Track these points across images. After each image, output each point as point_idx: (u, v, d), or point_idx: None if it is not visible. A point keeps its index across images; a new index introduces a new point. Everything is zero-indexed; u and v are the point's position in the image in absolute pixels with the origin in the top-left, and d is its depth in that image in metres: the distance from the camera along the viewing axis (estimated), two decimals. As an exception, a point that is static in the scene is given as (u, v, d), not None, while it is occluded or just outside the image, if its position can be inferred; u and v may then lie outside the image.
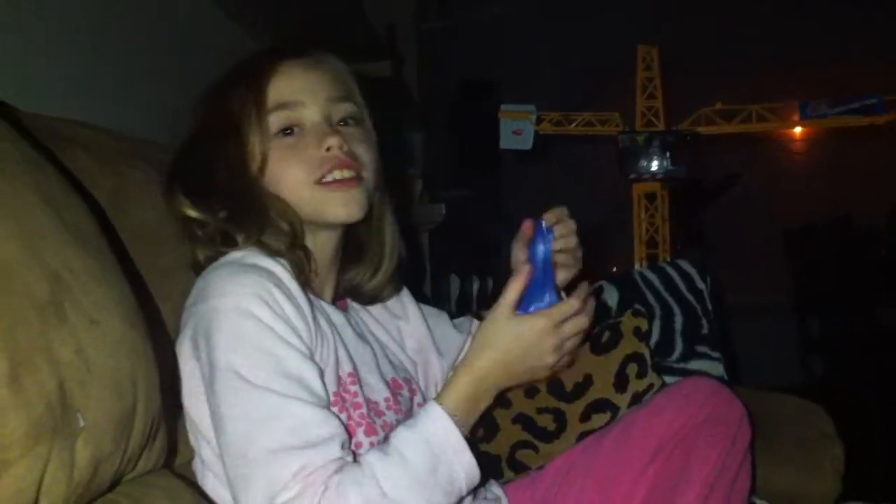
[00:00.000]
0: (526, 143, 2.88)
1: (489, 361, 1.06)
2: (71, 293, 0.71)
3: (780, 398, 1.78)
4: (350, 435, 1.04)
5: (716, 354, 1.75)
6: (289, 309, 1.01)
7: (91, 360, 0.70)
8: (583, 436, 1.37)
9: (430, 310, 1.37)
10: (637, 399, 1.40)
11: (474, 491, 1.19)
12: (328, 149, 1.11)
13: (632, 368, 1.43)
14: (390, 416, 1.12)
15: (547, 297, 1.11)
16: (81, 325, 0.70)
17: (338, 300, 1.23)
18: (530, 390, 1.43)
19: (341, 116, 1.16)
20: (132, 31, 1.72)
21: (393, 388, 1.17)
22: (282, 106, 1.12)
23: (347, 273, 1.24)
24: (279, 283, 1.02)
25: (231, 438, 0.96)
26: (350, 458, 0.97)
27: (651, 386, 1.42)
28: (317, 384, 0.99)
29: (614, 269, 1.86)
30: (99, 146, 1.16)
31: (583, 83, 4.65)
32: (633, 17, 4.70)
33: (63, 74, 1.46)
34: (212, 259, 1.08)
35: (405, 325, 1.31)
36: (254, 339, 0.97)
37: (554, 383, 1.42)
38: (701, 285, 1.82)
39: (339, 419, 0.99)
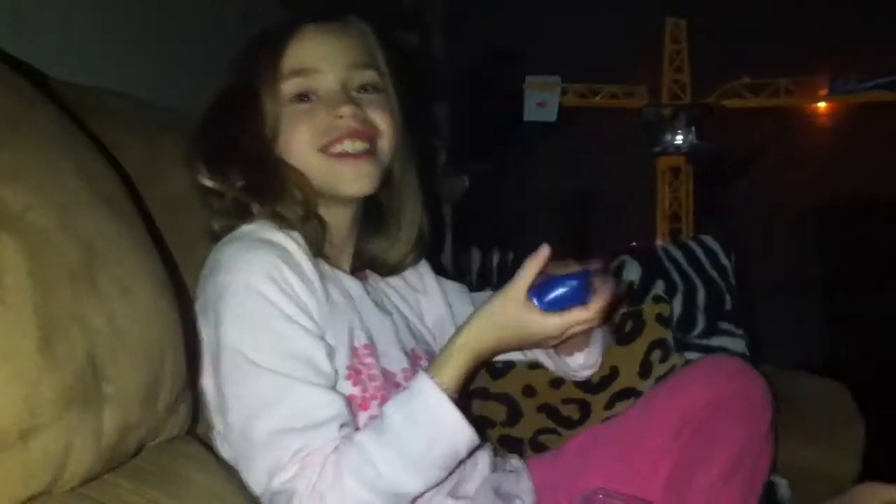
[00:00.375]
0: (550, 115, 2.88)
1: (490, 343, 1.04)
2: (103, 262, 0.71)
3: (802, 377, 1.77)
4: (364, 408, 1.05)
5: (738, 331, 1.74)
6: (298, 286, 1.01)
7: (122, 328, 0.71)
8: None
9: (449, 284, 1.36)
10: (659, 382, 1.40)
11: (494, 463, 1.20)
12: (340, 116, 1.10)
13: (655, 355, 1.43)
14: None
15: (566, 287, 1.05)
16: (113, 294, 0.71)
17: (357, 271, 1.22)
18: (556, 382, 1.43)
19: (360, 84, 1.14)
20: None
21: (413, 358, 1.16)
22: (297, 73, 1.11)
23: (367, 243, 1.22)
24: (289, 260, 1.02)
25: (235, 418, 0.98)
26: (350, 439, 0.97)
27: (674, 367, 1.42)
28: (323, 363, 1.00)
29: (633, 244, 1.85)
30: (131, 116, 1.17)
31: (609, 55, 4.60)
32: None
33: (96, 43, 1.46)
34: (228, 229, 1.08)
35: (424, 298, 1.30)
36: (261, 319, 0.98)
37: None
38: (725, 262, 1.81)
39: (343, 399, 1.00)
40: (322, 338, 1.02)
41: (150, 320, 0.76)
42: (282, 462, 0.93)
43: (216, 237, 1.09)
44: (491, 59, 4.94)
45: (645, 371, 1.42)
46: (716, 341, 1.71)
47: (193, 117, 1.22)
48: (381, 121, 1.14)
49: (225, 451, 1.05)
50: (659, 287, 1.72)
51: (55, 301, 0.65)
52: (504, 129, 4.51)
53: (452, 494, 1.09)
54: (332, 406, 0.97)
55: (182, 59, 1.71)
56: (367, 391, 1.06)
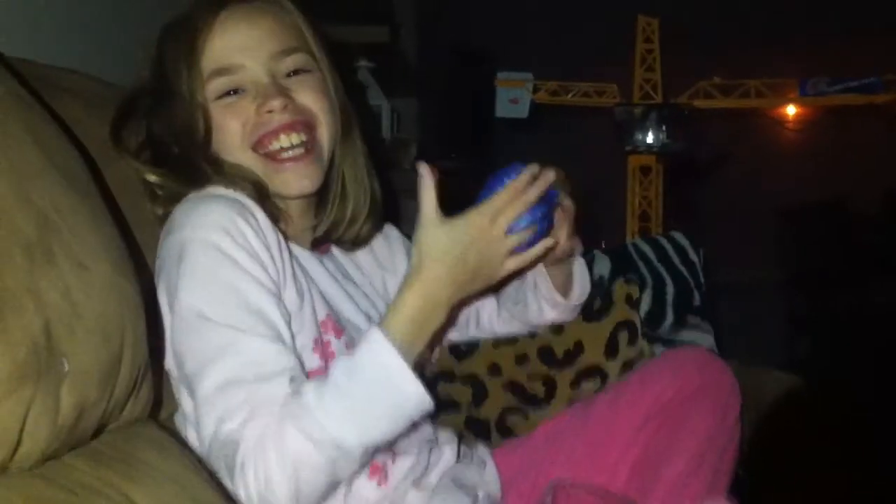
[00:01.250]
0: (522, 111, 2.88)
1: (430, 273, 0.99)
2: (59, 235, 0.69)
3: (765, 373, 1.78)
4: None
5: (706, 326, 1.75)
6: (252, 238, 0.98)
7: (78, 303, 0.69)
8: (572, 403, 1.37)
9: None
10: (628, 367, 1.40)
11: (460, 453, 1.19)
12: (270, 111, 1.06)
13: (623, 336, 1.43)
14: None
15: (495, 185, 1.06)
16: (69, 268, 0.69)
17: (320, 244, 1.19)
18: (520, 358, 1.43)
19: (290, 69, 1.09)
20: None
21: None
22: (220, 72, 1.06)
23: (322, 218, 1.19)
24: (243, 212, 0.99)
25: (188, 371, 0.95)
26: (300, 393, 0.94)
27: (641, 354, 1.42)
28: (276, 317, 0.97)
29: (603, 244, 1.86)
30: (90, 94, 1.14)
31: (580, 53, 4.62)
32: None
33: (55, 20, 1.44)
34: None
35: (391, 277, 1.28)
36: (213, 272, 0.96)
37: (544, 350, 1.42)
38: (694, 258, 1.82)
39: (292, 353, 0.97)
40: (277, 294, 0.99)
41: (108, 296, 0.74)
42: (229, 411, 0.91)
43: (162, 221, 1.06)
44: (463, 56, 4.94)
45: (611, 350, 1.42)
46: (684, 335, 1.72)
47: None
48: (316, 105, 1.10)
49: (190, 434, 1.03)
50: (637, 311, 1.72)
51: (8, 272, 0.63)
52: (475, 127, 4.51)
53: (416, 485, 1.08)
54: (280, 359, 0.95)
55: (141, 37, 1.69)
56: (330, 364, 1.04)
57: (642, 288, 1.68)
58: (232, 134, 1.06)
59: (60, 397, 0.68)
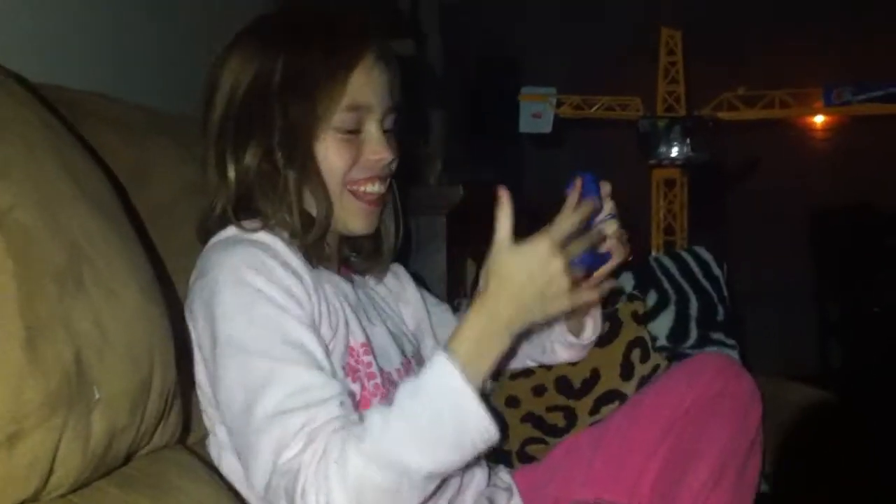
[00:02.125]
0: (545, 126, 2.87)
1: (495, 295, 0.97)
2: (89, 263, 0.71)
3: (793, 386, 1.77)
4: (364, 406, 1.03)
5: (731, 342, 1.74)
6: (284, 276, 0.99)
7: (108, 331, 0.70)
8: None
9: (429, 296, 1.36)
10: (644, 382, 1.40)
11: (488, 476, 1.19)
12: (380, 160, 1.11)
13: (636, 354, 1.43)
14: None
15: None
16: (99, 296, 0.70)
17: (342, 268, 1.21)
18: (538, 388, 1.43)
19: (389, 126, 1.14)
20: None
21: (404, 357, 1.17)
22: (353, 108, 1.09)
23: (351, 250, 1.23)
24: (273, 253, 1.01)
25: (234, 407, 0.95)
26: (354, 417, 0.94)
27: (657, 367, 1.42)
28: (316, 349, 0.97)
29: (630, 259, 1.85)
30: (120, 119, 1.15)
31: (604, 65, 4.62)
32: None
33: (83, 45, 1.46)
34: (218, 228, 1.07)
35: (405, 307, 1.31)
36: (251, 308, 0.97)
37: (562, 380, 1.42)
38: (717, 272, 1.81)
39: (341, 383, 0.98)
40: (313, 327, 1.01)
41: (137, 323, 0.75)
42: (286, 440, 0.90)
43: (204, 236, 1.07)
44: (487, 69, 4.95)
45: (626, 372, 1.42)
46: (708, 352, 1.71)
47: (189, 119, 1.21)
48: (395, 160, 1.14)
49: (224, 461, 1.04)
50: (651, 298, 1.72)
51: (40, 301, 0.64)
52: (500, 140, 4.52)
53: None
54: (329, 386, 0.95)
55: (171, 60, 1.71)
56: (367, 389, 1.06)
57: (665, 304, 1.68)
58: (339, 166, 1.09)
59: (92, 424, 0.69)
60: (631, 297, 1.49)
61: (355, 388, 1.04)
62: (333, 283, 1.12)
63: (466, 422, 0.91)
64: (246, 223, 1.06)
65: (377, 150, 1.11)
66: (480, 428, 0.92)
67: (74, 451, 0.67)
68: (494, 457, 1.35)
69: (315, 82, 1.07)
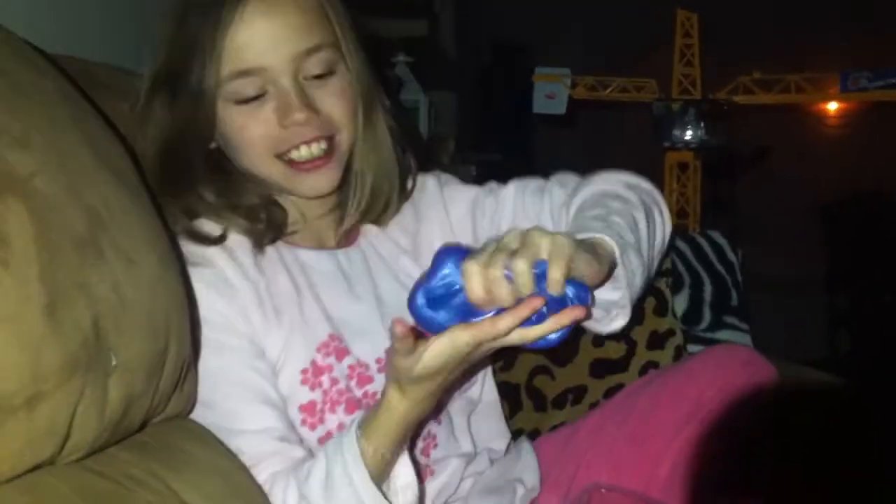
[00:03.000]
0: (559, 107, 2.86)
1: (396, 404, 0.90)
2: (108, 231, 0.71)
3: (805, 371, 1.77)
4: (332, 411, 1.02)
5: (743, 326, 1.74)
6: (225, 307, 0.99)
7: (127, 298, 0.70)
8: (596, 363, 1.40)
9: (454, 210, 1.21)
10: (655, 339, 1.40)
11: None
12: (290, 122, 1.00)
13: (649, 302, 1.43)
14: (379, 383, 1.04)
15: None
16: (118, 263, 0.71)
17: (348, 234, 1.14)
18: None
19: (313, 73, 1.02)
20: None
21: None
22: (242, 73, 0.99)
23: (343, 209, 1.13)
24: (217, 283, 0.99)
25: None
26: (293, 453, 0.97)
27: (670, 332, 1.42)
28: (256, 384, 0.99)
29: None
30: (130, 90, 1.15)
31: (618, 48, 4.59)
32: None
33: (102, 19, 1.46)
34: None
35: (425, 225, 1.20)
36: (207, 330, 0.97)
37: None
38: (732, 257, 1.81)
39: (281, 414, 0.99)
40: (256, 351, 1.00)
41: (155, 290, 0.75)
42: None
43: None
44: (501, 50, 4.93)
45: (635, 316, 1.43)
46: (721, 335, 1.71)
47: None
48: (338, 112, 1.04)
49: None
50: (665, 280, 1.72)
51: (61, 267, 0.64)
52: (513, 121, 4.51)
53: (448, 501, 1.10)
54: (267, 432, 0.97)
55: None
56: (329, 396, 1.03)
57: (679, 287, 1.68)
58: (255, 143, 1.02)
59: (108, 390, 0.69)
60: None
61: (315, 395, 1.02)
62: (306, 268, 1.08)
63: None
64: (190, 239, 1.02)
65: (283, 109, 1.00)
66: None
67: (91, 416, 0.68)
68: (503, 393, 1.31)
69: (193, 50, 0.99)
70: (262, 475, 0.94)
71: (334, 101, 1.04)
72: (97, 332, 0.67)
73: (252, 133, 1.01)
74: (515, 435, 1.36)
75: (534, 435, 1.41)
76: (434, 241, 1.17)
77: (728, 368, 1.15)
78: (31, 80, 0.74)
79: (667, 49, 2.91)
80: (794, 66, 2.87)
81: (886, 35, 4.49)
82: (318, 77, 1.03)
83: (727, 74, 2.83)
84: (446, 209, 1.21)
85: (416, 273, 1.11)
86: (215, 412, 0.96)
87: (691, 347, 1.54)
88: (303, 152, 1.02)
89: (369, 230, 1.17)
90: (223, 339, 0.98)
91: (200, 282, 0.98)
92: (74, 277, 0.65)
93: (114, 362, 0.69)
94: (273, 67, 1.00)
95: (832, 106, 5.11)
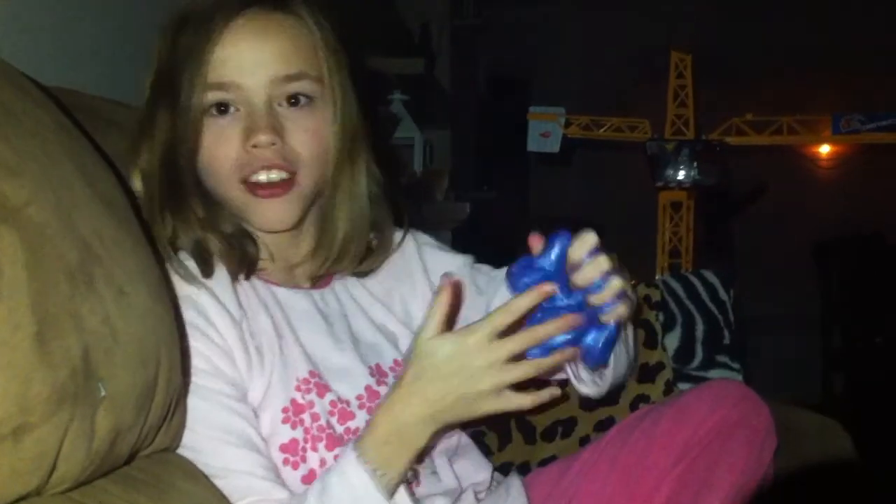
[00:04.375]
0: (553, 145, 2.89)
1: (407, 389, 0.91)
2: (100, 262, 0.71)
3: (798, 412, 1.76)
4: (313, 449, 1.01)
5: (736, 365, 1.74)
6: (205, 349, 0.97)
7: (117, 329, 0.70)
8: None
9: (441, 262, 1.21)
10: (645, 371, 1.41)
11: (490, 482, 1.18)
12: (254, 146, 0.99)
13: (639, 335, 1.43)
14: (360, 419, 1.03)
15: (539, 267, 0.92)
16: (109, 295, 0.71)
17: (320, 277, 1.12)
18: None
19: (289, 95, 1.02)
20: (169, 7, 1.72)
21: (378, 376, 1.08)
22: (218, 86, 1.00)
23: (318, 249, 1.11)
24: (196, 323, 0.97)
25: None
26: (278, 495, 0.96)
27: (660, 365, 1.42)
28: (240, 425, 0.98)
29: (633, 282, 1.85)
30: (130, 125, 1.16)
31: (613, 86, 4.63)
32: (665, 22, 4.68)
33: (98, 52, 1.47)
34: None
35: (408, 290, 1.20)
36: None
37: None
38: (724, 296, 1.81)
39: (264, 456, 0.98)
40: (238, 393, 0.99)
41: (145, 323, 0.75)
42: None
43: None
44: (496, 89, 4.97)
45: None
46: (713, 374, 1.71)
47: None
48: (305, 148, 1.02)
49: None
50: (655, 314, 1.72)
51: (52, 297, 0.64)
52: (508, 159, 4.53)
53: None
54: (254, 472, 0.96)
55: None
56: (311, 433, 1.01)
57: (671, 325, 1.68)
58: (220, 162, 1.01)
59: (96, 421, 0.69)
60: (649, 284, 1.50)
61: (297, 433, 1.01)
62: (281, 306, 1.07)
63: None
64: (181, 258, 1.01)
65: (251, 130, 0.99)
66: None
67: (78, 447, 0.67)
68: (492, 424, 1.30)
69: (184, 62, 0.99)
70: None
71: (303, 137, 1.02)
72: (87, 363, 0.67)
73: (218, 151, 1.01)
74: (505, 468, 1.35)
75: (524, 467, 1.41)
76: (409, 300, 1.18)
77: (723, 405, 1.14)
78: (26, 110, 0.74)
79: (661, 90, 2.94)
80: (787, 108, 2.90)
81: (879, 78, 4.54)
82: (293, 106, 1.02)
83: (720, 115, 2.86)
84: (426, 271, 1.20)
85: (388, 320, 1.14)
86: (197, 454, 0.95)
87: (683, 385, 1.54)
88: (261, 176, 1.01)
89: (343, 275, 1.16)
90: (204, 383, 0.97)
91: (186, 324, 0.96)
92: (65, 307, 0.65)
93: (103, 393, 0.69)
94: (248, 87, 1.00)
95: (823, 150, 5.15)
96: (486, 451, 1.41)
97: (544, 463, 1.38)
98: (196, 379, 0.96)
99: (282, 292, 1.08)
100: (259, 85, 1.00)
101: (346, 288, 1.15)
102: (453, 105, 3.97)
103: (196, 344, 0.96)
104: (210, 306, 0.99)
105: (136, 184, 1.02)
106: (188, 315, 0.97)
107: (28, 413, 0.62)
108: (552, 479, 1.25)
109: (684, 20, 4.66)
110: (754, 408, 1.15)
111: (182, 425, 0.92)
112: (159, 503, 0.80)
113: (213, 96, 1.00)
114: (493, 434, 1.46)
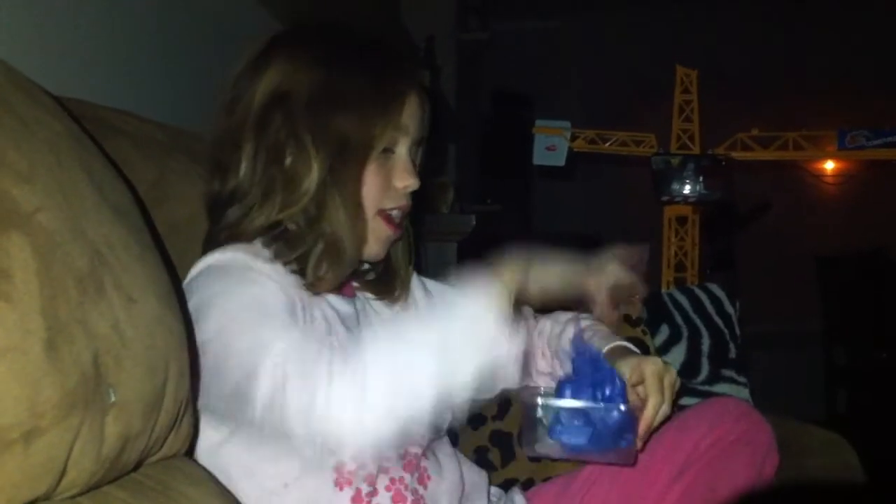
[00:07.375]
0: (559, 159, 2.88)
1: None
2: (110, 269, 0.71)
3: (803, 427, 1.76)
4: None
5: (741, 379, 1.74)
6: (272, 291, 1.01)
7: (126, 336, 0.71)
8: None
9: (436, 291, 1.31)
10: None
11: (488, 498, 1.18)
12: (405, 187, 1.11)
13: None
14: None
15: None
16: (119, 302, 0.71)
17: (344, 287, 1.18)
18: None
19: (416, 157, 1.15)
20: (170, 18, 1.74)
21: None
22: (397, 129, 1.10)
23: (364, 275, 1.20)
24: (270, 285, 1.02)
25: (232, 391, 0.97)
26: None
27: None
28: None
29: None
30: (143, 137, 1.17)
31: (619, 102, 4.65)
32: (673, 38, 4.70)
33: (102, 61, 1.48)
34: (227, 241, 1.07)
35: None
36: (242, 307, 0.99)
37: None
38: (730, 310, 1.81)
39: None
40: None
41: (154, 329, 0.76)
42: (303, 390, 0.92)
43: (212, 243, 1.08)
44: (501, 102, 4.98)
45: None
46: (719, 388, 1.71)
47: (201, 137, 1.22)
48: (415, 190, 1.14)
49: (222, 456, 1.04)
50: (664, 332, 1.72)
51: (62, 303, 0.65)
52: (513, 172, 4.54)
53: None
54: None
55: (188, 76, 1.73)
56: None
57: (677, 339, 1.68)
58: (378, 192, 1.10)
59: (105, 427, 0.69)
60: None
61: None
62: (329, 305, 1.11)
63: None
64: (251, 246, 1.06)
65: (406, 176, 1.11)
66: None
67: (88, 452, 0.68)
68: (495, 441, 1.31)
69: (372, 102, 1.07)
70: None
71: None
72: (96, 369, 0.67)
73: (381, 181, 1.10)
74: (509, 484, 1.34)
75: (528, 484, 1.40)
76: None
77: (724, 422, 1.15)
78: (38, 119, 0.75)
79: (666, 104, 2.94)
80: (792, 124, 2.90)
81: (885, 94, 4.55)
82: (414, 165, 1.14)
83: (726, 130, 2.86)
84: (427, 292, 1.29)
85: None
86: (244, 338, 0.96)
87: (689, 400, 1.54)
88: (399, 213, 1.13)
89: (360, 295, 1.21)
90: (269, 304, 1.00)
91: (262, 275, 1.01)
92: (75, 313, 0.66)
93: (112, 399, 0.69)
94: (409, 140, 1.11)
95: (828, 166, 5.16)
96: (491, 467, 1.41)
97: (548, 479, 1.37)
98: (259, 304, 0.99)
99: (329, 296, 1.12)
100: (413, 139, 1.12)
101: (364, 297, 1.21)
102: (458, 119, 3.98)
103: (259, 288, 1.00)
104: (276, 276, 1.03)
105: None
106: (250, 274, 1.01)
107: (38, 418, 0.62)
108: (554, 494, 1.25)
109: (690, 35, 4.68)
110: (755, 425, 1.16)
111: (190, 432, 0.92)
112: (166, 510, 0.80)
113: (389, 137, 1.09)
114: (497, 450, 1.46)
